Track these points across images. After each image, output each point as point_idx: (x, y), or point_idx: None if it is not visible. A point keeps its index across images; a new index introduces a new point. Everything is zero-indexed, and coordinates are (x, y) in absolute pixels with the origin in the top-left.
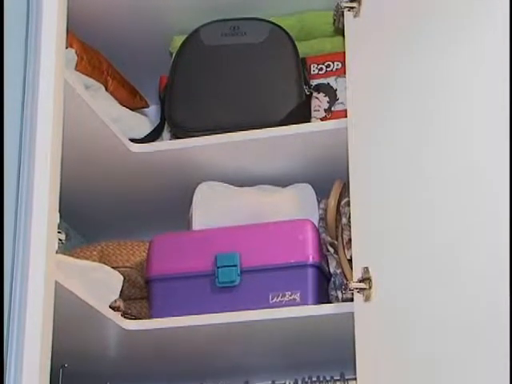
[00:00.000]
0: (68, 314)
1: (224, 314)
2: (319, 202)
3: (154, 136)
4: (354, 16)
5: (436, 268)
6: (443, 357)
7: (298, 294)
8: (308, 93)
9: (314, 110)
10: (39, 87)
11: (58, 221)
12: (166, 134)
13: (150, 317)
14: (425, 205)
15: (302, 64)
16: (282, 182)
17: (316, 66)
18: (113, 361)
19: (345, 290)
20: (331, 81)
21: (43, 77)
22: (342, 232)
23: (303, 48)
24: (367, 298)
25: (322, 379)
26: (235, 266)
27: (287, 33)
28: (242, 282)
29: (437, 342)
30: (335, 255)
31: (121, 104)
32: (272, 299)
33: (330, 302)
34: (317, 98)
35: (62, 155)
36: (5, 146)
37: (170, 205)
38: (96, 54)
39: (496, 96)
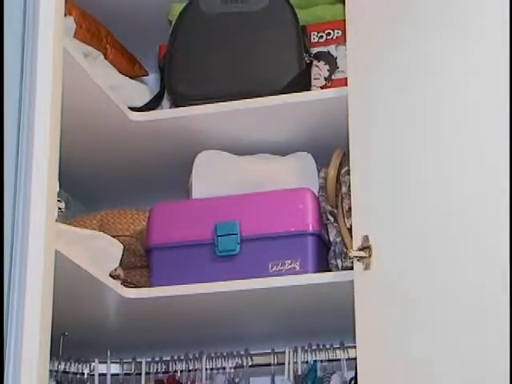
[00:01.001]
0: (68, 283)
1: (224, 283)
2: (319, 170)
3: (153, 104)
4: None
5: (435, 236)
6: (443, 323)
7: (298, 263)
8: (308, 61)
9: (314, 79)
10: (38, 55)
11: (58, 189)
12: (165, 102)
13: (149, 285)
14: (425, 173)
15: (302, 32)
16: (281, 150)
17: (316, 33)
18: (113, 329)
19: (344, 258)
20: (331, 49)
21: (42, 45)
22: (341, 201)
23: (303, 16)
24: (367, 267)
25: (321, 347)
26: (235, 234)
27: (287, 0)
28: (241, 250)
29: (436, 309)
30: (335, 224)
31: (120, 72)
32: (272, 268)
33: (330, 271)
34: (317, 66)
35: (61, 124)
36: (4, 114)
37: (170, 173)
38: (95, 22)
39: (496, 62)
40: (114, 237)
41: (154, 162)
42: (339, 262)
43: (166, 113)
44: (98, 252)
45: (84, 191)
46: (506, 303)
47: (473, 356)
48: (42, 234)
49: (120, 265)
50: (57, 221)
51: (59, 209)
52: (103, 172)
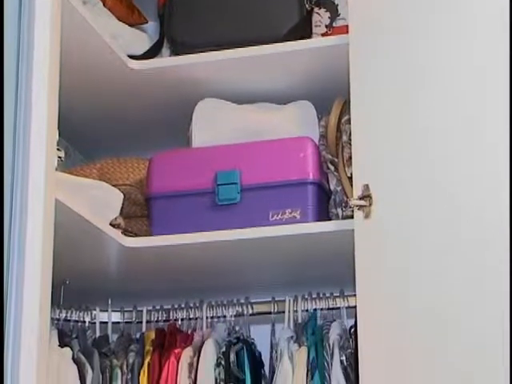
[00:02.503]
0: (68, 232)
1: (224, 232)
2: (319, 119)
3: (153, 53)
4: None
5: (436, 184)
6: (443, 271)
7: (298, 212)
8: (309, 8)
9: (315, 26)
10: (36, 2)
11: (57, 138)
12: (165, 50)
13: (150, 234)
14: (425, 122)
15: None
16: (282, 99)
17: None
18: (113, 278)
19: (345, 207)
20: None
21: None
22: (342, 149)
23: None
24: (367, 215)
25: (321, 296)
26: (235, 183)
27: None
28: (242, 199)
29: (436, 258)
30: (335, 173)
31: (119, 20)
32: (272, 217)
33: (330, 220)
34: (318, 13)
35: (60, 73)
36: (4, 64)
37: (170, 122)
38: None
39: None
40: (113, 186)
41: (153, 111)
42: (339, 210)
43: (165, 61)
44: (98, 201)
45: (84, 140)
46: (506, 252)
47: (472, 305)
48: (42, 182)
49: (120, 214)
50: (56, 170)
51: (59, 157)
52: (103, 121)
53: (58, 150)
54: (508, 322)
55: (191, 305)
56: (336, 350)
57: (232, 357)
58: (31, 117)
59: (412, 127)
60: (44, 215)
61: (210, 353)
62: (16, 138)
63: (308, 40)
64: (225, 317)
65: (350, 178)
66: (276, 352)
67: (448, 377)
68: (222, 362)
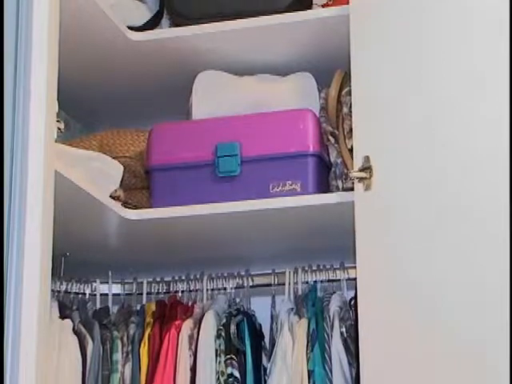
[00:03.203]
0: (68, 204)
1: (224, 204)
2: (320, 91)
3: (152, 24)
4: None
5: (437, 156)
6: (443, 243)
7: (299, 184)
8: None
9: None
10: None
11: (57, 109)
12: (165, 21)
13: (150, 206)
14: (427, 93)
15: None
16: (282, 70)
17: None
18: (114, 250)
19: (345, 179)
20: None
21: None
22: (342, 121)
23: None
24: (367, 187)
25: (321, 268)
26: (235, 155)
27: None
28: (242, 171)
29: (436, 229)
30: (336, 145)
31: None
32: (272, 189)
33: (331, 192)
34: None
35: (59, 44)
36: (4, 34)
37: (170, 94)
38: None
39: None
40: (113, 158)
41: (153, 83)
42: (340, 183)
43: (165, 32)
44: (98, 173)
45: (83, 112)
46: (506, 227)
47: (472, 275)
48: (42, 154)
49: (120, 186)
50: (56, 141)
51: (58, 129)
52: (102, 92)
53: (57, 121)
54: (507, 291)
55: (191, 277)
56: (336, 322)
57: (232, 328)
58: (30, 88)
59: (413, 99)
60: (44, 187)
61: (210, 324)
62: (15, 109)
63: (308, 11)
64: (225, 289)
65: (351, 150)
66: (276, 324)
67: (447, 346)
68: (223, 334)
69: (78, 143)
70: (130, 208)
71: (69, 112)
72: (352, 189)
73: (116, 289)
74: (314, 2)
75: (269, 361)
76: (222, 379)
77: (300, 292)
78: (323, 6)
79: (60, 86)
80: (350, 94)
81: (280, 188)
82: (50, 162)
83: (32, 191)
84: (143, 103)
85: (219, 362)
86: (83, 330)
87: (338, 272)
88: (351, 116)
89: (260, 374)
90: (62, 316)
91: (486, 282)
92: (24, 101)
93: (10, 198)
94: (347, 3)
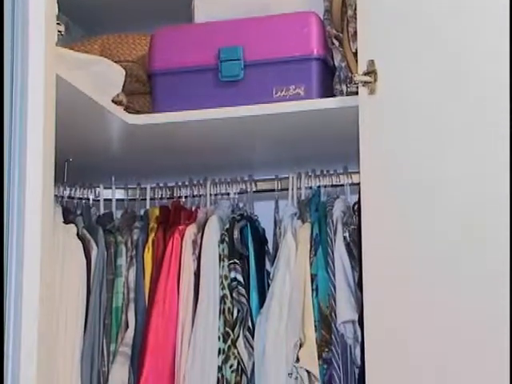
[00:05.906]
0: (70, 109)
1: (227, 109)
2: None
3: None
4: None
5: (444, 59)
6: (445, 148)
7: (303, 88)
8: None
9: None
10: None
11: (57, 12)
12: None
13: (152, 111)
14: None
15: None
16: None
17: None
18: (116, 155)
19: (349, 83)
20: None
21: None
22: (347, 24)
23: None
24: (372, 91)
25: (325, 173)
26: (238, 59)
27: None
28: (245, 76)
29: (440, 135)
30: (340, 48)
31: None
32: (276, 93)
33: (335, 96)
34: None
35: None
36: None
37: None
38: None
39: None
40: (115, 62)
41: None
42: (344, 87)
43: None
44: (100, 77)
45: (84, 15)
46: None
47: (473, 185)
48: (42, 57)
49: (122, 91)
50: (57, 45)
51: (59, 32)
52: None
53: (57, 24)
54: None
55: (195, 182)
56: (339, 226)
57: (236, 233)
58: None
59: (420, 1)
60: (45, 91)
61: (213, 229)
62: (15, 10)
63: None
64: (228, 194)
65: (355, 54)
66: (279, 228)
67: (448, 246)
68: (226, 239)
69: (79, 47)
70: (132, 113)
71: (69, 15)
72: (356, 93)
73: (119, 194)
74: None
75: (272, 265)
76: (225, 283)
77: (303, 197)
78: None
79: None
80: None
81: (283, 92)
82: (51, 66)
83: (33, 95)
84: (145, 7)
85: (222, 267)
86: (87, 234)
87: (341, 177)
88: (356, 18)
89: (263, 278)
90: (66, 221)
91: (486, 174)
92: (24, 2)
93: (11, 102)
94: None
